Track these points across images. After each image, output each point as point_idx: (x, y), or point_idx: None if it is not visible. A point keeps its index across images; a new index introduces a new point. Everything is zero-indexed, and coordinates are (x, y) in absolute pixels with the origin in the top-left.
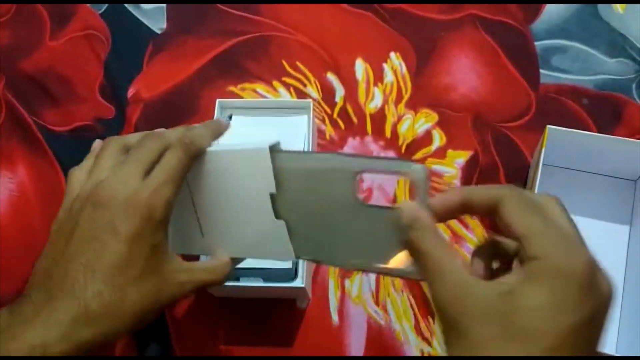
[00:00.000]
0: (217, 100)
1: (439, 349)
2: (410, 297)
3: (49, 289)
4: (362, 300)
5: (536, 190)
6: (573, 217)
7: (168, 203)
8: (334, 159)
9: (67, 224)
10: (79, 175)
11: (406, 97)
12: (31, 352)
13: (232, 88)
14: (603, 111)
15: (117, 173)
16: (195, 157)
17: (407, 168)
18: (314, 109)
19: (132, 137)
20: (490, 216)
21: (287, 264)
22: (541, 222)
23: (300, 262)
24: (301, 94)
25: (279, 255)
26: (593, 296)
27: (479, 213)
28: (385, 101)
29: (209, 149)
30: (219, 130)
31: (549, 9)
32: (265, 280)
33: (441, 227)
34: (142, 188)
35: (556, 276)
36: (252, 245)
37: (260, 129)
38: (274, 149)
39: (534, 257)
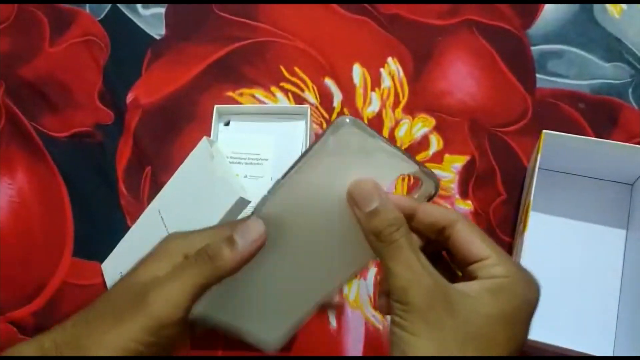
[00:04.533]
0: (215, 106)
1: None
2: None
3: None
4: (360, 305)
5: (532, 195)
6: (570, 221)
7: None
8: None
9: None
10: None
11: (403, 102)
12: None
13: (230, 93)
14: (599, 115)
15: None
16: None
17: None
18: (311, 114)
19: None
20: (432, 235)
21: None
22: (499, 249)
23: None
24: (299, 99)
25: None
26: (532, 314)
27: (422, 229)
28: (383, 106)
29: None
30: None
31: (545, 14)
32: None
33: None
34: None
35: (516, 297)
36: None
37: (258, 134)
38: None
39: (496, 275)
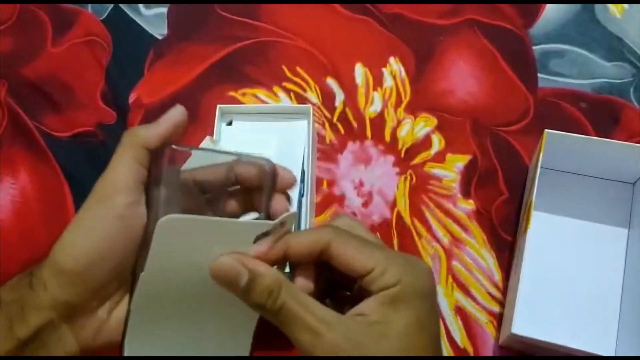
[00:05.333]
0: (218, 105)
1: None
2: None
3: None
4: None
5: (534, 194)
6: (572, 220)
7: None
8: None
9: None
10: None
11: (405, 101)
12: None
13: (232, 93)
14: (601, 115)
15: None
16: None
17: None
18: (313, 114)
19: None
20: (317, 260)
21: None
22: (379, 253)
23: None
24: (301, 99)
25: None
26: (435, 296)
27: (304, 261)
28: (385, 106)
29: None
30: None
31: (547, 14)
32: None
33: (440, 232)
34: None
35: (415, 297)
36: None
37: (260, 134)
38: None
39: (388, 286)
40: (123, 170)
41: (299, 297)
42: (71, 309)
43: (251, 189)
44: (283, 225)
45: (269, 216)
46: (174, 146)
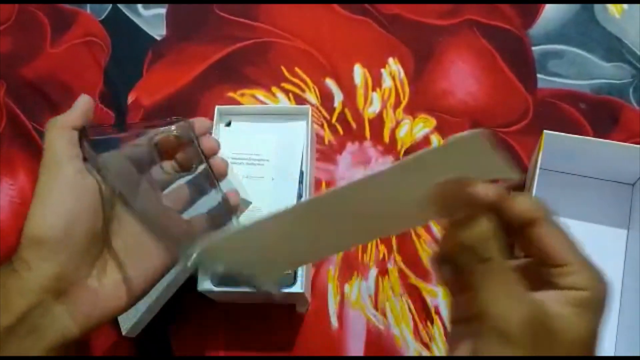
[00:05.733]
0: (216, 106)
1: (437, 354)
2: (409, 301)
3: None
4: (361, 305)
5: (533, 195)
6: (571, 221)
7: None
8: None
9: None
10: None
11: (404, 102)
12: None
13: (231, 94)
14: (600, 115)
15: None
16: None
17: None
18: (312, 115)
19: None
20: (510, 228)
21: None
22: (582, 253)
23: (300, 267)
24: (300, 100)
25: None
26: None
27: (507, 219)
28: (384, 106)
29: None
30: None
31: (546, 14)
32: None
33: (440, 233)
34: None
35: (596, 309)
36: None
37: (259, 135)
38: None
39: (579, 287)
40: (61, 147)
41: (506, 257)
42: (60, 282)
43: (177, 149)
44: None
45: (206, 158)
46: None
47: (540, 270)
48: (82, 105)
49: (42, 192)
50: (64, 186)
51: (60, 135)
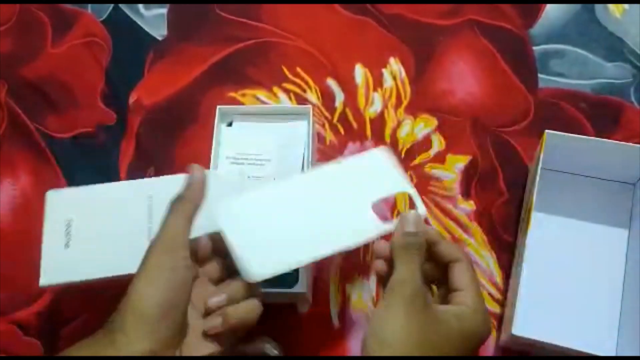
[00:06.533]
0: (218, 106)
1: None
2: None
3: None
4: (363, 305)
5: (535, 194)
6: (572, 220)
7: None
8: None
9: None
10: None
11: (405, 102)
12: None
13: (232, 94)
14: (601, 115)
15: None
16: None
17: None
18: (313, 115)
19: None
20: (437, 266)
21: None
22: (475, 285)
23: (301, 267)
24: (301, 100)
25: None
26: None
27: (435, 259)
28: (385, 106)
29: None
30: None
31: (547, 14)
32: (266, 285)
33: (441, 232)
34: None
35: (471, 325)
36: None
37: (260, 135)
38: None
39: (464, 305)
40: (182, 226)
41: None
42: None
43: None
44: None
45: None
46: None
47: (448, 292)
48: (198, 183)
49: (152, 269)
50: (178, 267)
51: (183, 218)
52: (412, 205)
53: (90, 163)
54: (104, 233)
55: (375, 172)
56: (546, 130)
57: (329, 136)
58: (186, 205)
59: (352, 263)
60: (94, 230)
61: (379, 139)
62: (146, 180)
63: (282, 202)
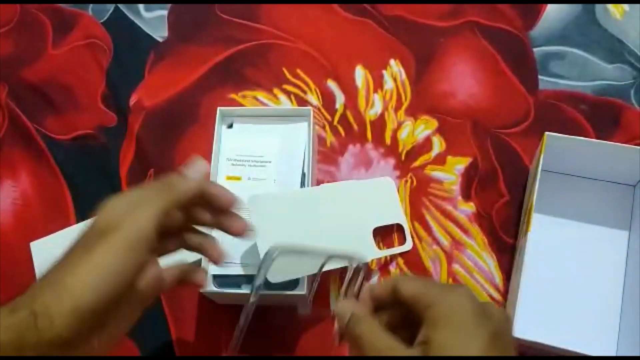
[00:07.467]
0: (218, 108)
1: None
2: None
3: None
4: None
5: (535, 196)
6: (572, 222)
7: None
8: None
9: None
10: None
11: (406, 103)
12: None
13: (233, 95)
14: (601, 117)
15: None
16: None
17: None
18: (314, 116)
19: None
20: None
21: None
22: (433, 286)
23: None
24: (301, 101)
25: None
26: (487, 321)
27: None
28: (385, 108)
29: None
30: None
31: (547, 16)
32: (267, 287)
33: (441, 235)
34: None
35: (450, 314)
36: None
37: (261, 136)
38: None
39: (429, 306)
40: (151, 220)
41: (375, 326)
42: (71, 344)
43: None
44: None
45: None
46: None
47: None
48: (200, 172)
49: (104, 253)
50: (132, 264)
51: (161, 207)
52: (400, 238)
53: (91, 164)
54: None
55: (381, 200)
56: (546, 132)
57: (330, 138)
58: (168, 195)
59: None
60: None
61: (379, 141)
62: None
63: (297, 214)
